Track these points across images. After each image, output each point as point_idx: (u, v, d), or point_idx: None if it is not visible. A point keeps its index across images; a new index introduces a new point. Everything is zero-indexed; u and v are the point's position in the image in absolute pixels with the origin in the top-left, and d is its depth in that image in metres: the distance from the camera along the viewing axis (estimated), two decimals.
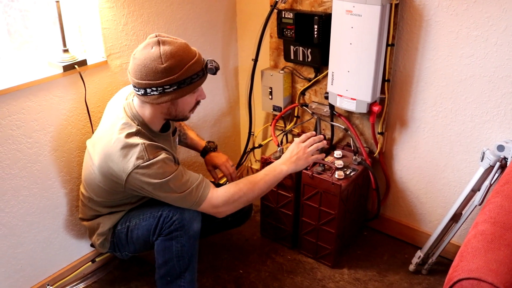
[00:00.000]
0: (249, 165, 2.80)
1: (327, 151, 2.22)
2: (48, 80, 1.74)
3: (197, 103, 1.70)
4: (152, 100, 1.56)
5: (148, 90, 1.54)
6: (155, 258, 1.77)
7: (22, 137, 1.73)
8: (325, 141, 1.85)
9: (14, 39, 1.76)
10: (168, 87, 1.53)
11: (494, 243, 1.10)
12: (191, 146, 2.11)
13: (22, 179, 1.78)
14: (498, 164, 1.72)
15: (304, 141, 1.82)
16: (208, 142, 2.10)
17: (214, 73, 1.62)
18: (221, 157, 2.06)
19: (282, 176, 1.78)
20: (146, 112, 1.63)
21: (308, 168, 2.03)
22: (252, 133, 2.59)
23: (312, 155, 1.81)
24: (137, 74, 1.53)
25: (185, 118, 1.72)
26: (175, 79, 1.52)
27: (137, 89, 1.56)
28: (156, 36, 1.54)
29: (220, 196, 1.68)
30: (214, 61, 1.61)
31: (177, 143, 1.94)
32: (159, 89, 1.53)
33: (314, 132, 1.86)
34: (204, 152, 2.09)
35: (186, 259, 1.74)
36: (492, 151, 1.74)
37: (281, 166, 1.78)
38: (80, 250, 2.10)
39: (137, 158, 1.55)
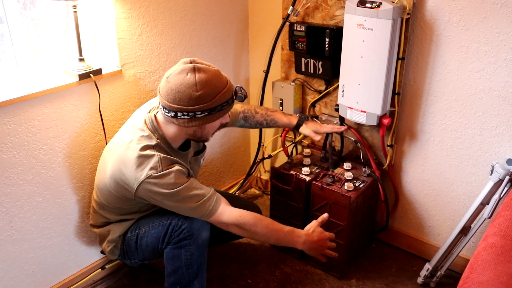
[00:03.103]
0: (259, 175, 2.82)
1: (337, 162, 2.23)
2: (64, 88, 1.77)
3: (221, 125, 1.75)
4: (181, 123, 1.60)
5: (179, 114, 1.57)
6: (165, 266, 1.78)
7: (37, 144, 1.77)
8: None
9: (26, 47, 1.80)
10: (199, 113, 1.57)
11: (504, 256, 1.11)
12: (283, 125, 2.13)
13: (36, 185, 1.81)
14: (507, 178, 1.73)
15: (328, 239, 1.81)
16: (300, 114, 2.12)
17: (242, 101, 1.67)
18: (316, 127, 2.09)
19: (291, 246, 1.77)
20: (170, 130, 1.66)
21: (318, 179, 2.05)
22: (262, 143, 2.61)
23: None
24: (170, 98, 1.56)
25: (207, 140, 1.77)
26: (207, 106, 1.56)
27: (167, 111, 1.59)
28: (191, 62, 1.57)
29: (232, 216, 1.69)
30: (243, 89, 1.66)
31: (201, 163, 1.97)
32: (190, 114, 1.57)
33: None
34: (298, 125, 2.10)
35: (195, 268, 1.75)
36: (502, 165, 1.75)
37: (301, 244, 1.75)
38: (90, 256, 2.11)
39: (151, 168, 1.57)
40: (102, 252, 1.94)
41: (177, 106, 1.56)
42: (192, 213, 1.67)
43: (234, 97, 1.65)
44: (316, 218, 2.10)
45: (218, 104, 1.59)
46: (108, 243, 1.85)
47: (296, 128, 2.10)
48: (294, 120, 2.09)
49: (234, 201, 1.83)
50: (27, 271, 1.88)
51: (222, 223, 1.70)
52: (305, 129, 2.08)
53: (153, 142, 1.63)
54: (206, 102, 1.56)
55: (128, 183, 1.61)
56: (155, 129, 1.66)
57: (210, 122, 1.62)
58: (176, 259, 1.74)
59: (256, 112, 2.07)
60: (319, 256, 1.81)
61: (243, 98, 1.66)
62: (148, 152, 1.60)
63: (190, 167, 1.79)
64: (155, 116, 1.69)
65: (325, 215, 1.83)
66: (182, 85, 1.54)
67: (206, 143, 1.92)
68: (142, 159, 1.58)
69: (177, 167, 1.61)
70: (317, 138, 2.07)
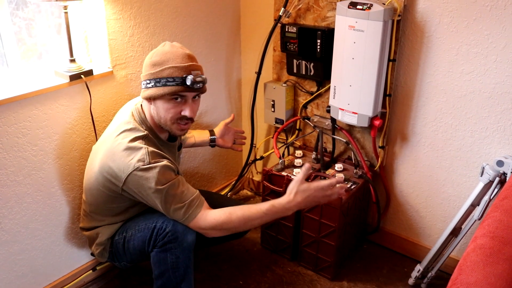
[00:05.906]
0: (251, 176, 2.82)
1: (329, 164, 2.24)
2: (54, 89, 1.76)
3: (182, 117, 1.65)
4: (141, 94, 1.66)
5: (142, 83, 1.65)
6: (152, 269, 1.77)
7: (28, 145, 1.76)
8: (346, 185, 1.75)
9: (18, 48, 1.79)
10: (148, 81, 1.61)
11: (493, 257, 1.12)
12: (199, 143, 2.17)
13: (26, 186, 1.80)
14: (497, 179, 1.74)
15: (326, 188, 1.61)
16: (210, 131, 2.19)
17: (191, 87, 1.58)
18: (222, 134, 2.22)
19: (282, 216, 1.67)
20: (147, 112, 1.70)
21: (309, 180, 2.05)
22: (254, 145, 2.61)
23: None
24: (143, 69, 1.66)
25: (172, 131, 1.70)
26: (152, 75, 1.60)
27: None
28: (173, 42, 1.65)
29: (208, 220, 1.64)
30: (201, 77, 1.59)
31: (181, 158, 1.98)
32: (143, 82, 1.64)
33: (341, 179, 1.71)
34: (213, 141, 2.19)
35: (182, 270, 1.73)
36: (492, 166, 1.76)
37: (288, 212, 1.62)
38: (81, 258, 2.10)
39: (138, 160, 1.57)
40: (92, 254, 1.93)
41: (142, 75, 1.64)
42: (173, 213, 1.64)
43: (185, 81, 1.57)
44: (307, 220, 2.10)
45: (162, 76, 1.57)
46: (97, 246, 1.83)
47: (212, 143, 2.19)
48: (207, 140, 2.17)
49: (225, 203, 1.82)
50: (17, 272, 1.87)
51: (200, 228, 1.66)
52: (225, 145, 2.23)
53: (141, 133, 1.64)
54: (152, 70, 1.60)
55: (116, 176, 1.60)
56: (143, 120, 1.69)
57: (157, 96, 1.59)
58: (162, 263, 1.72)
59: None
60: (325, 202, 1.67)
61: (191, 84, 1.56)
62: (137, 144, 1.60)
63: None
64: (141, 105, 1.72)
65: (307, 165, 1.59)
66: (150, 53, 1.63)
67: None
68: (130, 151, 1.59)
69: (164, 162, 1.60)
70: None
